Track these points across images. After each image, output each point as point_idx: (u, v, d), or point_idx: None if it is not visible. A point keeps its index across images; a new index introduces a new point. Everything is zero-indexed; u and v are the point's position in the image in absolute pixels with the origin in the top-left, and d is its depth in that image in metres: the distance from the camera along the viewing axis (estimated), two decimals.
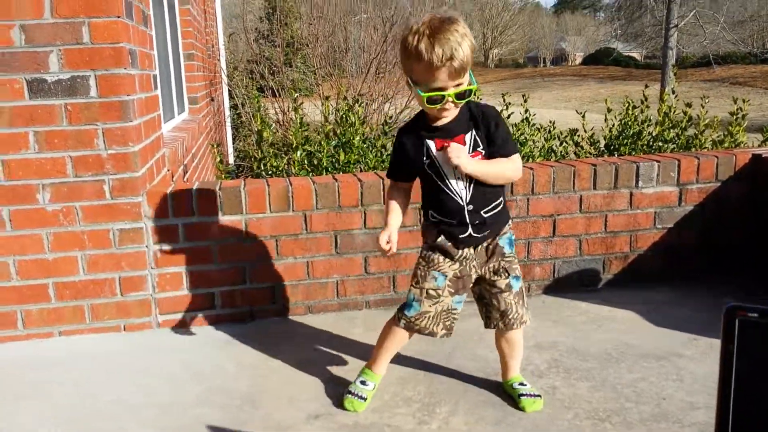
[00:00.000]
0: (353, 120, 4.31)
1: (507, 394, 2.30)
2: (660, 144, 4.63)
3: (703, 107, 4.47)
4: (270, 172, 4.47)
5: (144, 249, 2.86)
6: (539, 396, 2.25)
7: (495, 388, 2.35)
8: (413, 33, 1.90)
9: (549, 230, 3.21)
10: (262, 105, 6.20)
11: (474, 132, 2.03)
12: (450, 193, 2.06)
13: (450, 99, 1.93)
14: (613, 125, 4.83)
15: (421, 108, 2.06)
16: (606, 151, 4.81)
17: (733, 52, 33.91)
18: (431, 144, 2.04)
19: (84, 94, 2.67)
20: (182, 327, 2.97)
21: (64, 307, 2.86)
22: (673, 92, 4.75)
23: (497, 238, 2.15)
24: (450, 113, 2.00)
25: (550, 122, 4.88)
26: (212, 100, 7.41)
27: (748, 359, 1.03)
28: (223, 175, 5.19)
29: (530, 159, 4.55)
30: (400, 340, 2.28)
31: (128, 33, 2.78)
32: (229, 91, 8.72)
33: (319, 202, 2.98)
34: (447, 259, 2.14)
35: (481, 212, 2.08)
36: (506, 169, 2.06)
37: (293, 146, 4.20)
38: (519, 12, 63.08)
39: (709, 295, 3.14)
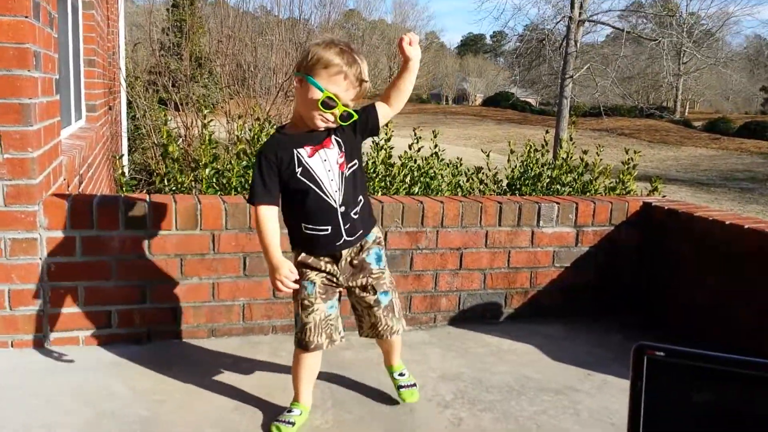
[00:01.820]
0: (264, 140, 4.25)
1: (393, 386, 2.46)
2: (558, 187, 4.87)
3: (598, 155, 4.75)
4: (173, 188, 4.33)
5: (37, 261, 2.68)
6: (415, 385, 2.45)
7: (403, 413, 2.36)
8: (334, 43, 2.04)
9: (456, 263, 3.29)
10: (163, 118, 6.01)
11: (334, 135, 2.11)
12: (324, 196, 2.09)
13: (339, 111, 2.02)
14: (515, 166, 5.03)
15: (278, 126, 2.21)
16: (508, 189, 5.00)
17: (621, 105, 36.35)
18: (303, 152, 2.08)
19: None
20: (75, 345, 2.79)
21: None
22: (571, 138, 5.02)
23: (363, 252, 2.21)
24: (322, 124, 2.06)
25: (458, 158, 5.03)
26: (110, 108, 7.11)
27: (655, 395, 1.08)
28: (124, 189, 4.97)
29: (439, 193, 4.66)
30: (307, 365, 2.25)
31: (34, 34, 2.63)
32: (128, 101, 8.40)
33: (228, 222, 2.90)
34: (314, 270, 2.18)
35: (351, 213, 2.13)
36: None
37: (201, 163, 4.09)
38: (425, 50, 64.85)
39: (601, 331, 3.30)
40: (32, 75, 2.59)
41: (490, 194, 4.79)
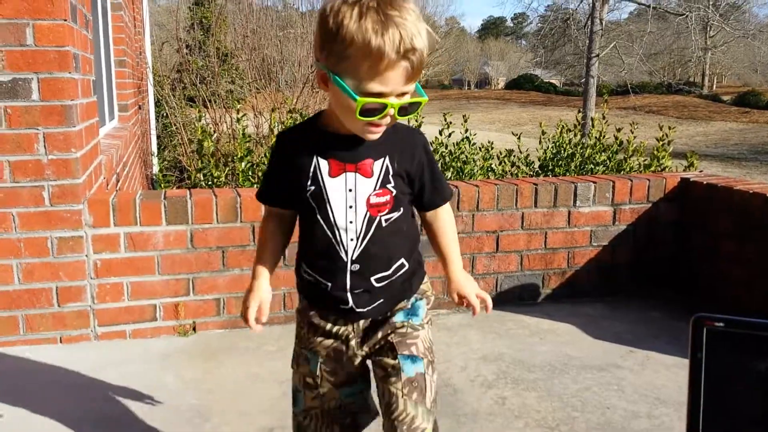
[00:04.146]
0: None
1: None
2: (591, 166, 4.83)
3: (632, 132, 4.71)
4: (209, 183, 4.39)
5: (84, 258, 2.75)
6: None
7: (447, 394, 2.38)
8: (350, 3, 1.26)
9: (492, 246, 3.29)
10: (191, 116, 6.09)
11: (387, 160, 1.42)
12: (332, 238, 1.44)
13: (394, 110, 1.30)
14: (548, 147, 5.01)
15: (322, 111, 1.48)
16: (540, 171, 4.98)
17: (647, 83, 35.78)
18: (323, 165, 1.41)
19: (25, 97, 2.56)
20: (122, 339, 2.87)
21: None
22: (604, 117, 4.98)
23: (391, 314, 1.54)
24: (373, 135, 1.37)
25: (489, 142, 5.02)
26: (140, 108, 7.22)
27: (716, 367, 1.09)
28: (161, 185, 5.06)
29: (472, 177, 4.66)
30: None
31: (73, 36, 2.69)
32: (156, 99, 8.51)
33: None
34: (317, 334, 1.55)
35: (372, 279, 1.47)
36: (454, 230, 1.62)
37: (237, 156, 4.14)
38: (445, 36, 64.46)
39: (640, 309, 3.29)
40: (73, 77, 2.65)
41: (524, 177, 4.78)
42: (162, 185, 5.09)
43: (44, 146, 2.62)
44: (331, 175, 1.41)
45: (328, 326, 1.53)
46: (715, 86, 45.08)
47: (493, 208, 3.26)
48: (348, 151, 1.40)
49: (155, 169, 8.18)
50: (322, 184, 1.41)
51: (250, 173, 4.17)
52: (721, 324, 1.08)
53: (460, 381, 2.52)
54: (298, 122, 4.53)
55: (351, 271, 1.45)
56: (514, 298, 3.37)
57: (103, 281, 2.81)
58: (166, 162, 8.62)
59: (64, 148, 2.64)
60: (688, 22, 24.43)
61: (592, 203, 3.41)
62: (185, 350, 2.80)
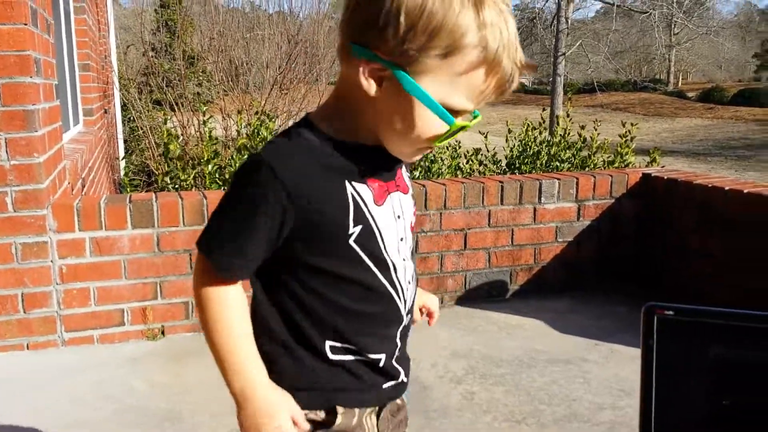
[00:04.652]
0: (265, 135, 4.29)
1: None
2: (557, 164, 4.91)
3: (595, 129, 4.79)
4: (176, 187, 4.37)
5: (49, 264, 2.72)
6: None
7: (416, 391, 2.41)
8: None
9: (461, 243, 3.33)
10: (159, 119, 6.04)
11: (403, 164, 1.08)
12: (391, 291, 1.03)
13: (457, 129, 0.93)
14: (514, 145, 5.07)
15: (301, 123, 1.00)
16: (507, 169, 5.04)
17: (614, 80, 36.28)
18: (364, 192, 0.98)
19: None
20: (89, 345, 2.84)
21: None
22: (568, 115, 5.06)
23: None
24: (418, 158, 1.06)
25: (457, 141, 5.06)
26: (106, 112, 7.14)
27: (667, 354, 1.13)
28: (128, 189, 5.01)
29: (440, 176, 4.70)
30: None
31: (34, 40, 2.66)
32: (123, 103, 8.42)
33: None
34: None
35: (408, 324, 1.12)
36: None
37: (203, 159, 4.13)
38: None
39: (605, 303, 3.35)
40: (34, 81, 2.62)
41: (491, 175, 4.84)
42: (128, 189, 5.04)
43: (6, 151, 2.59)
44: (377, 203, 1.00)
45: (370, 423, 1.07)
46: (680, 83, 45.88)
47: (460, 206, 3.29)
48: (381, 163, 1.01)
49: (122, 173, 8.09)
50: (370, 219, 0.98)
51: (217, 175, 4.16)
52: (671, 312, 1.13)
53: (429, 378, 2.55)
54: (262, 125, 4.52)
55: (404, 326, 1.08)
56: (482, 295, 3.41)
57: (69, 286, 2.78)
58: (133, 166, 8.52)
59: (27, 153, 2.61)
60: (652, 20, 24.85)
61: (556, 200, 3.47)
62: (154, 354, 2.78)
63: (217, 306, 0.99)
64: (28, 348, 2.77)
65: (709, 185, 3.23)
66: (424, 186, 3.22)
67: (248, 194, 0.95)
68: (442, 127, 0.91)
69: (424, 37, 0.85)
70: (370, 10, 0.87)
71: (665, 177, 3.50)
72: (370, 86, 0.91)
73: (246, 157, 1.03)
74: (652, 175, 3.57)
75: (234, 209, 0.97)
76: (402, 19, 0.85)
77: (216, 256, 0.98)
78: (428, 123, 0.91)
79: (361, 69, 0.90)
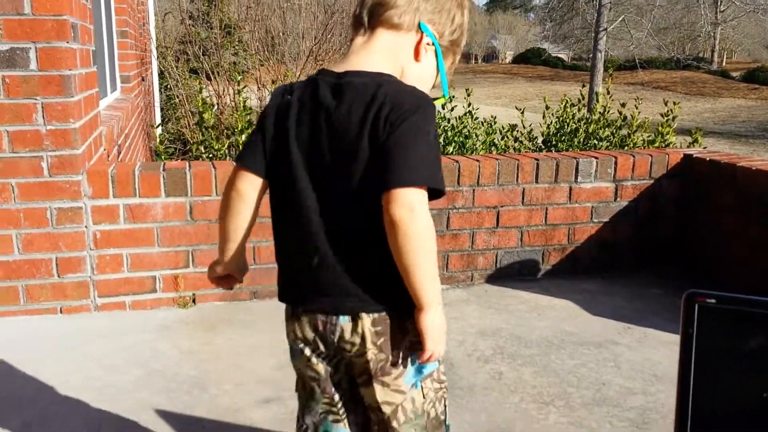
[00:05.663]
0: None
1: None
2: (595, 142, 4.80)
3: (636, 107, 4.67)
4: (209, 156, 4.38)
5: (83, 229, 2.76)
6: None
7: None
8: None
9: (493, 221, 3.28)
10: (195, 88, 6.05)
11: None
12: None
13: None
14: (551, 122, 4.97)
15: None
16: (543, 146, 4.95)
17: (656, 58, 35.39)
18: None
19: (23, 66, 2.55)
20: (121, 310, 2.88)
21: None
22: (608, 92, 4.93)
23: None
24: None
25: (492, 117, 4.99)
26: (143, 79, 7.18)
27: (707, 343, 1.08)
28: (162, 157, 5.05)
29: (474, 152, 4.64)
30: None
31: (71, 5, 2.66)
32: (160, 71, 8.46)
33: None
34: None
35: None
36: None
37: (237, 129, 4.12)
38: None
39: (640, 285, 3.28)
40: (71, 46, 2.63)
41: (526, 151, 4.75)
42: (163, 157, 5.08)
43: (43, 116, 2.61)
44: None
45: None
46: (724, 62, 44.57)
47: (494, 183, 3.24)
48: None
49: (158, 141, 8.16)
50: None
51: None
52: (713, 300, 1.08)
53: (457, 355, 2.53)
54: None
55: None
56: (513, 274, 3.37)
57: (103, 252, 2.81)
58: (169, 134, 8.59)
59: (63, 119, 2.63)
60: None
61: (593, 179, 3.39)
62: (184, 321, 2.81)
63: (432, 233, 1.18)
64: (61, 312, 2.82)
65: (753, 168, 3.13)
66: (457, 162, 3.17)
67: (435, 130, 1.22)
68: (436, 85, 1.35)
69: (461, 36, 1.34)
70: (451, 12, 1.32)
71: (707, 159, 3.40)
72: (427, 53, 1.29)
73: (415, 101, 1.21)
74: (694, 156, 3.47)
75: (436, 145, 1.21)
76: (458, 23, 1.33)
77: (443, 185, 1.19)
78: (432, 80, 1.33)
79: (424, 41, 1.29)
